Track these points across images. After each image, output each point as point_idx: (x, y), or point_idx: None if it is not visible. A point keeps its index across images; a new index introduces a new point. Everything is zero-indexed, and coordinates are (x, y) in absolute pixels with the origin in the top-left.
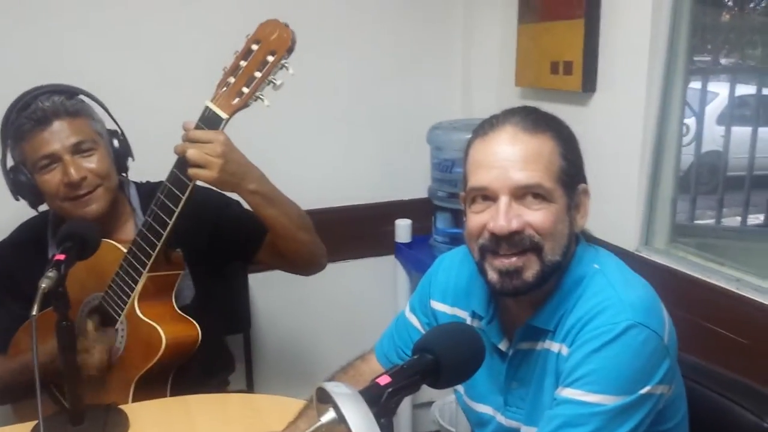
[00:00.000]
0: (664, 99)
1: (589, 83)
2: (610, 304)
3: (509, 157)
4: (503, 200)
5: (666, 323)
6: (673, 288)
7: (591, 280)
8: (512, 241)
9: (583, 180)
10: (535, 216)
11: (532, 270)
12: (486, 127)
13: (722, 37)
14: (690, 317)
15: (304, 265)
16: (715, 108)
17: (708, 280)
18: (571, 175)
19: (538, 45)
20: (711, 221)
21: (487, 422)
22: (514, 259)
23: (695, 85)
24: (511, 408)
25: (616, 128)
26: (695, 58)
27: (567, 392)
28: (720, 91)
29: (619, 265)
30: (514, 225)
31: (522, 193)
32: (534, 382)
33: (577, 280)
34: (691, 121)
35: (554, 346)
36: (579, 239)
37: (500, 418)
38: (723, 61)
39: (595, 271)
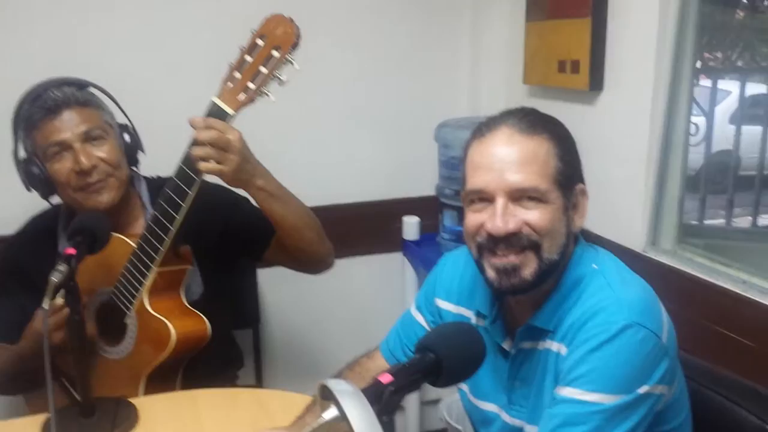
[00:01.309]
0: (671, 98)
1: (596, 82)
2: (608, 304)
3: (505, 159)
4: (500, 202)
5: (664, 323)
6: (680, 289)
7: (590, 280)
8: (509, 242)
9: (581, 180)
10: (532, 215)
11: (530, 268)
12: (483, 128)
13: (734, 36)
14: (696, 319)
15: (311, 263)
16: (727, 106)
17: (714, 281)
18: (567, 176)
19: (545, 43)
20: (722, 221)
21: (492, 420)
22: (512, 257)
23: (707, 83)
24: (514, 407)
25: (623, 127)
26: (707, 56)
27: (566, 391)
28: (733, 89)
29: (617, 265)
30: (511, 226)
31: (518, 195)
32: (536, 382)
33: (576, 280)
34: (702, 120)
35: (554, 346)
36: (578, 239)
37: (505, 417)
38: (736, 60)
39: (594, 271)
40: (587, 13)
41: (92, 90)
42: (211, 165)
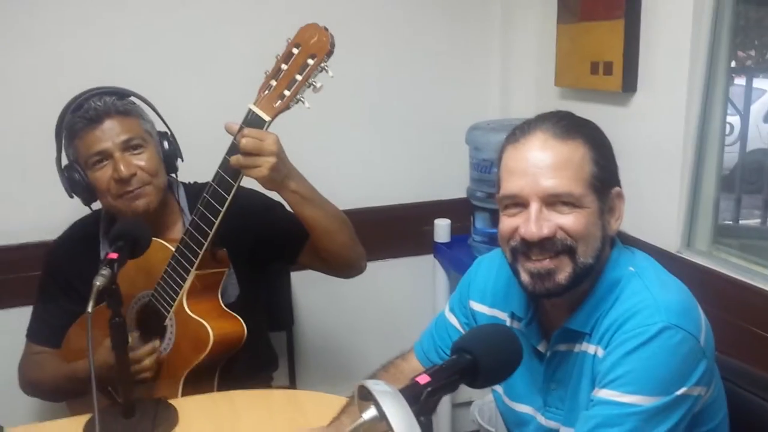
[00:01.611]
0: (705, 98)
1: (629, 83)
2: (645, 306)
3: (539, 164)
4: (534, 207)
5: (702, 325)
6: (715, 290)
7: (627, 282)
8: (543, 247)
9: (617, 183)
10: (567, 219)
11: (564, 272)
12: (518, 133)
13: None
14: (732, 320)
15: (343, 267)
16: (762, 105)
17: (750, 282)
18: (602, 180)
19: (577, 45)
20: (757, 221)
21: (527, 422)
22: (546, 261)
23: (742, 81)
24: (550, 409)
25: (657, 128)
26: (741, 55)
27: (603, 393)
28: (767, 88)
29: (655, 267)
30: (545, 231)
31: (552, 200)
32: (572, 384)
33: (613, 282)
34: (736, 120)
35: (591, 348)
36: (615, 242)
37: (540, 419)
38: None
39: (631, 274)
40: (620, 15)
41: (133, 99)
42: (249, 169)
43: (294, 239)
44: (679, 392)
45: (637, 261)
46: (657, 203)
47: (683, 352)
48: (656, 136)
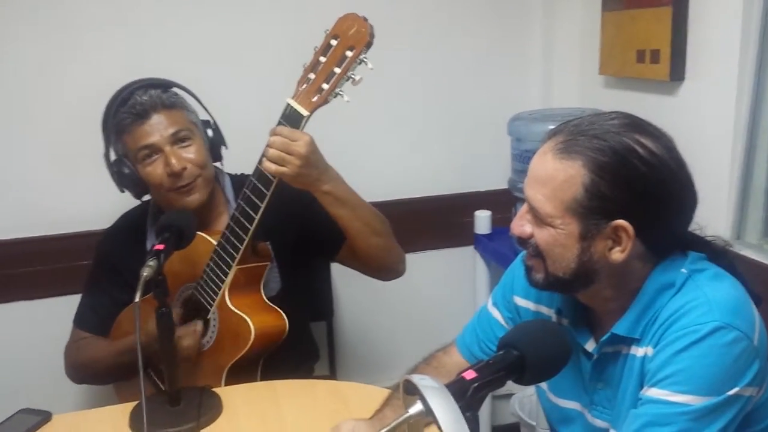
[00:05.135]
0: (757, 86)
1: (677, 72)
2: (698, 305)
3: (532, 173)
4: (522, 208)
5: (756, 325)
6: (766, 284)
7: (679, 284)
8: (522, 244)
9: (625, 216)
10: (537, 231)
11: (539, 273)
12: (547, 135)
13: None
14: None
15: (378, 269)
16: None
17: None
18: (590, 208)
19: (623, 33)
20: None
21: (574, 419)
22: (528, 257)
23: None
24: (597, 407)
25: (706, 118)
26: None
27: (652, 392)
28: None
29: (708, 266)
30: (515, 231)
31: (533, 209)
32: (621, 385)
33: (664, 286)
34: None
35: (639, 351)
36: (667, 253)
37: (587, 416)
38: None
39: (683, 275)
40: (668, 2)
41: (176, 90)
42: (273, 167)
43: (333, 236)
44: (731, 392)
45: (690, 262)
46: (706, 195)
47: (736, 351)
48: (705, 126)
